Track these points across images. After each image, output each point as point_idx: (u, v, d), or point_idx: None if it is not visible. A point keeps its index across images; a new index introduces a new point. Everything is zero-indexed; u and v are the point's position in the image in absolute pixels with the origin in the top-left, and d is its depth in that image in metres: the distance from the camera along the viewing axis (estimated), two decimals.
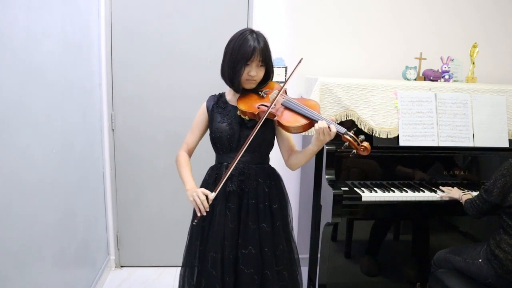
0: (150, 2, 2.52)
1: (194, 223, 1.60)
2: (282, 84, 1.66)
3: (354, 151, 1.45)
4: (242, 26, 2.57)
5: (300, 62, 1.60)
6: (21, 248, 1.53)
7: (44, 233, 1.74)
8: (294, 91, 2.60)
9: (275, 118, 1.54)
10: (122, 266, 2.83)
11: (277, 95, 1.55)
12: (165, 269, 2.78)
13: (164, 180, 2.72)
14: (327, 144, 2.10)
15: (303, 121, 1.50)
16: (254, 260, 1.57)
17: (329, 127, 1.44)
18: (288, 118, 1.52)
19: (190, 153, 1.72)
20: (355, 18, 2.62)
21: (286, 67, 2.59)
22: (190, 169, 1.66)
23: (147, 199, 2.75)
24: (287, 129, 1.54)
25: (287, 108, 1.55)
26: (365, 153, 1.41)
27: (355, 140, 1.42)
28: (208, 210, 1.48)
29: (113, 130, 2.64)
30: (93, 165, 2.44)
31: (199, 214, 1.49)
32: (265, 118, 1.52)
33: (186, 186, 1.58)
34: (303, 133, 1.59)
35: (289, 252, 1.69)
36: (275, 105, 1.54)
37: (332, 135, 1.44)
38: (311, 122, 1.49)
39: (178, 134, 2.63)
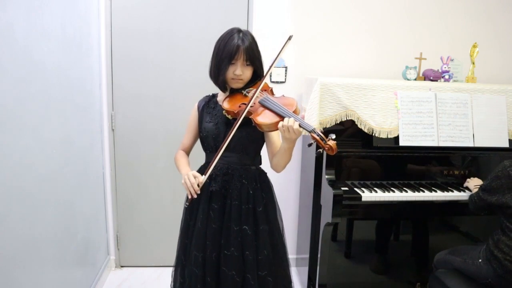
0: (150, 2, 2.52)
1: (186, 206, 1.61)
2: (262, 81, 1.59)
3: (320, 150, 1.41)
4: (242, 26, 2.58)
5: (290, 38, 1.53)
6: (21, 248, 1.53)
7: (44, 233, 1.74)
8: (294, 91, 2.60)
9: (251, 117, 1.50)
10: (122, 266, 2.83)
11: (254, 93, 1.52)
12: (165, 269, 2.78)
13: (164, 180, 2.72)
14: None
15: (275, 119, 1.46)
16: (236, 262, 1.54)
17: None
18: (262, 116, 1.49)
19: (187, 153, 1.74)
20: (355, 18, 2.63)
21: (286, 67, 2.59)
22: (186, 159, 1.68)
23: (147, 199, 2.75)
24: (260, 127, 1.49)
25: (263, 106, 1.52)
26: (330, 153, 1.37)
27: (322, 139, 1.38)
28: (198, 193, 1.47)
29: (113, 130, 2.64)
30: (93, 165, 2.44)
31: (189, 197, 1.48)
32: (244, 117, 1.49)
33: (181, 172, 1.59)
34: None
35: (276, 258, 1.64)
36: (254, 103, 1.51)
37: (298, 133, 1.39)
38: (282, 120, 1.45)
39: (178, 134, 2.61)
